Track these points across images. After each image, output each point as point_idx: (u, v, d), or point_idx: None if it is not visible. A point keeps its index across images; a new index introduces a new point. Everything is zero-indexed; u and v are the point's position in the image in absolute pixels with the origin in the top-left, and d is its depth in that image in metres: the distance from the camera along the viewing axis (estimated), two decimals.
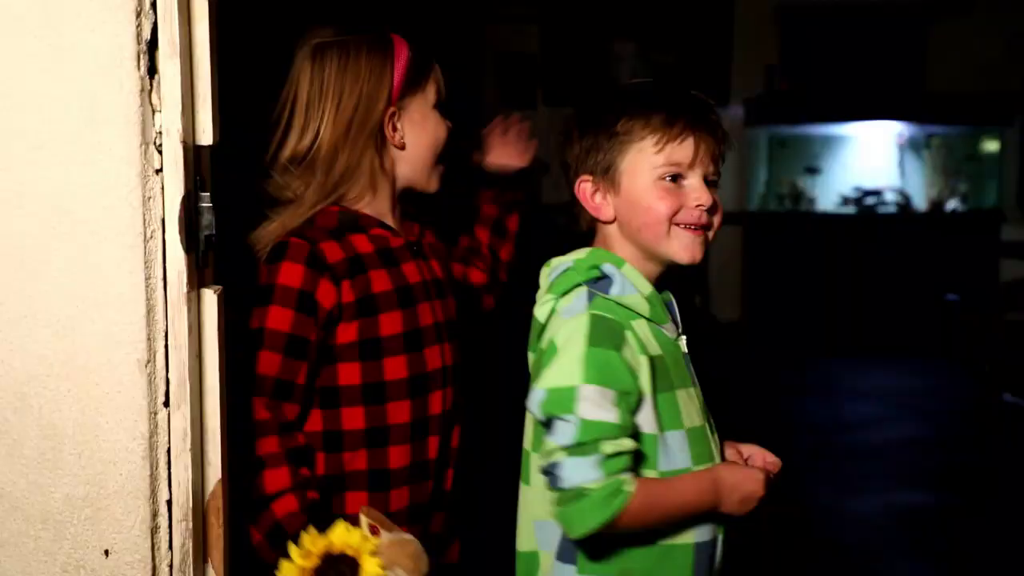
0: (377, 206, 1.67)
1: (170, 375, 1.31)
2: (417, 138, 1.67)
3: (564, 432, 1.35)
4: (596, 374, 1.35)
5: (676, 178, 1.46)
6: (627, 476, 1.35)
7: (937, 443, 4.89)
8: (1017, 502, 4.03)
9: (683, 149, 1.45)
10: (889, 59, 7.19)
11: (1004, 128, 7.31)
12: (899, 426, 5.14)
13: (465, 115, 1.87)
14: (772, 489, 1.47)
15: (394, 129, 1.65)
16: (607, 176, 1.47)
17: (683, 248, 1.46)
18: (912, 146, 7.50)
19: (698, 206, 1.45)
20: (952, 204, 7.35)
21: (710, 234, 1.49)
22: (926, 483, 4.32)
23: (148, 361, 1.29)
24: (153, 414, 1.30)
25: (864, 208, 7.33)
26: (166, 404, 1.31)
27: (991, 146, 7.48)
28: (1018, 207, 7.25)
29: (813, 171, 7.49)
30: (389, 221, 1.68)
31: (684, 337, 1.51)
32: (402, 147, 1.67)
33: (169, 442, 1.32)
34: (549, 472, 1.36)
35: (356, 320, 1.58)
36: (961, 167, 7.44)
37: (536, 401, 1.39)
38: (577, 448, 1.34)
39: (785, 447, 2.10)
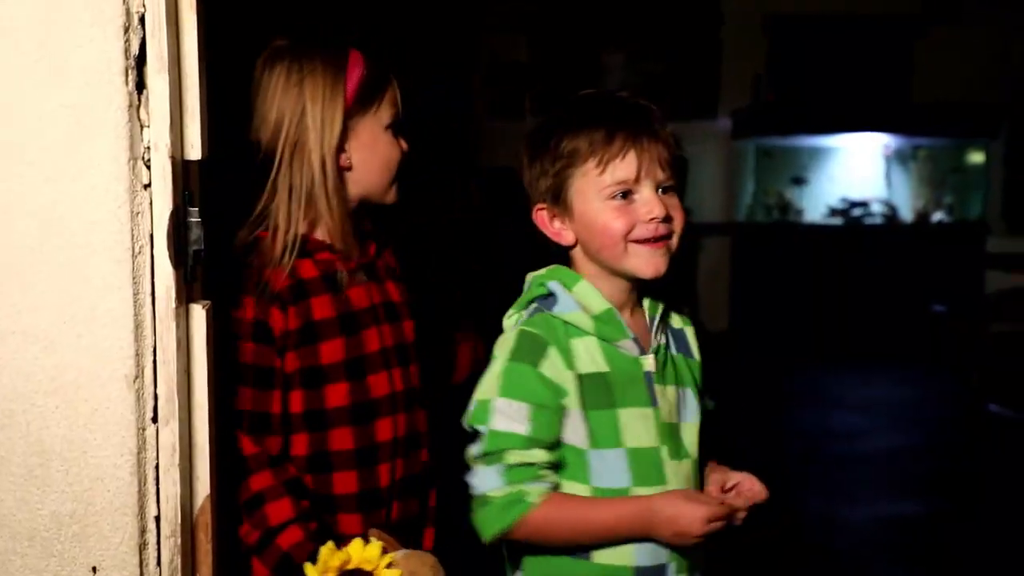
0: (324, 227, 1.60)
1: (158, 390, 1.30)
2: (365, 161, 1.61)
3: (479, 442, 1.41)
4: (510, 388, 1.40)
5: (627, 194, 1.43)
6: (532, 487, 1.38)
7: (925, 452, 4.90)
8: (1004, 510, 4.04)
9: (627, 165, 1.42)
10: (875, 71, 7.22)
11: (989, 140, 7.35)
12: (888, 435, 5.15)
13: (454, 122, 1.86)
14: (732, 522, 1.41)
15: (342, 150, 1.59)
16: (559, 202, 1.46)
17: (644, 264, 1.44)
18: (898, 158, 7.53)
19: (652, 219, 1.43)
20: (938, 216, 7.38)
21: (673, 241, 1.45)
22: (915, 491, 4.33)
23: (136, 377, 1.28)
24: (141, 430, 1.29)
25: (851, 219, 7.35)
26: (154, 420, 1.30)
27: (977, 158, 7.51)
28: (1003, 219, 7.28)
29: (800, 182, 7.51)
30: (338, 242, 1.60)
31: (650, 357, 1.47)
32: (349, 168, 1.60)
33: (157, 458, 1.31)
34: (468, 479, 1.42)
35: (299, 348, 1.55)
36: (947, 179, 7.47)
37: (467, 413, 1.44)
38: (484, 458, 1.40)
39: (775, 456, 2.09)
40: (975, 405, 5.52)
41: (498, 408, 1.39)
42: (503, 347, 1.43)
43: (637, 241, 1.43)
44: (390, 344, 1.62)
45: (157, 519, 1.30)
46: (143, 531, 1.30)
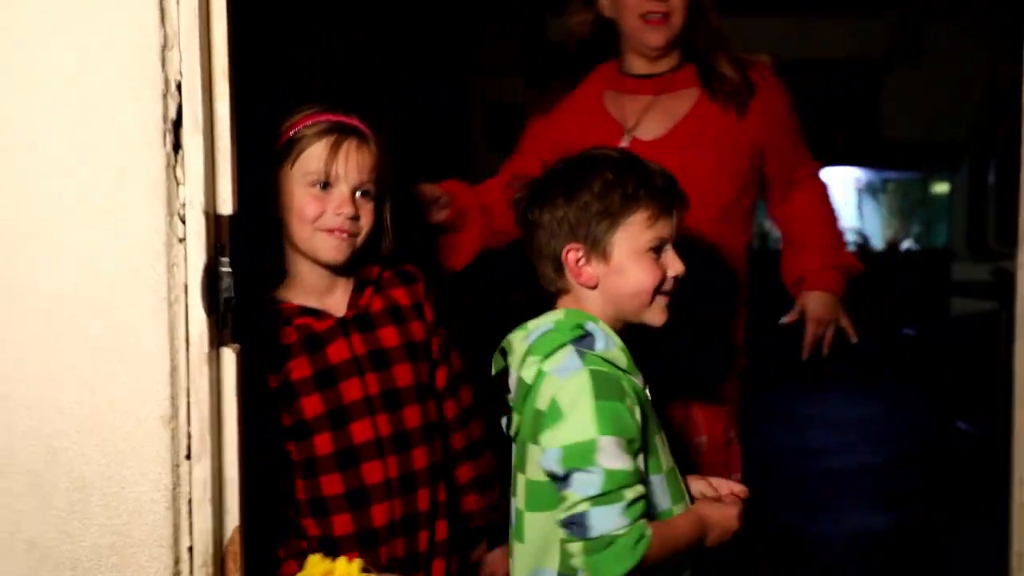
0: (298, 287, 1.60)
1: (192, 429, 1.31)
2: (286, 215, 1.57)
3: (587, 483, 1.33)
4: (609, 425, 1.34)
5: (659, 251, 1.47)
6: (645, 521, 1.35)
7: (894, 468, 4.89)
8: (969, 524, 4.03)
9: (668, 224, 1.46)
10: (847, 110, 7.27)
11: (953, 174, 7.39)
12: (858, 452, 5.13)
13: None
14: (745, 517, 1.49)
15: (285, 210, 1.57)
16: (597, 246, 1.45)
17: (659, 314, 1.48)
18: (869, 190, 7.58)
19: (675, 276, 1.47)
20: (906, 244, 7.42)
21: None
22: (884, 506, 4.31)
23: (172, 417, 1.29)
24: (176, 466, 1.30)
25: None
26: (188, 457, 1.31)
27: (941, 190, 7.56)
28: (967, 247, 7.31)
29: None
30: (314, 301, 1.60)
31: (647, 388, 1.50)
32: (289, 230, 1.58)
33: (191, 492, 1.31)
34: (573, 523, 1.33)
35: (286, 407, 1.57)
36: (914, 210, 7.52)
37: (553, 459, 1.36)
38: (603, 497, 1.32)
39: (750, 472, 2.11)
40: (943, 422, 5.52)
41: (604, 447, 1.33)
42: (577, 389, 1.36)
43: (661, 293, 1.47)
44: (375, 392, 1.60)
45: (190, 550, 1.31)
46: (177, 561, 1.30)
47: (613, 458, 1.33)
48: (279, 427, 1.57)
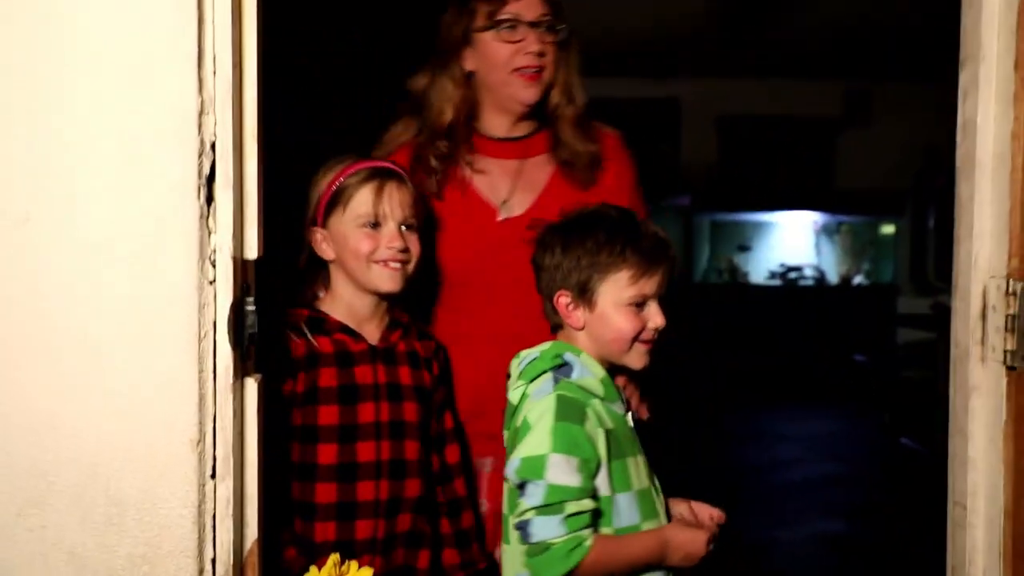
0: (340, 309, 1.60)
1: (217, 452, 1.28)
2: (341, 253, 1.58)
3: (534, 494, 1.35)
4: (562, 444, 1.36)
5: (640, 304, 1.45)
6: (586, 532, 1.35)
7: (849, 480, 4.86)
8: (915, 531, 3.99)
9: (651, 283, 1.45)
10: (806, 161, 7.29)
11: (898, 218, 7.41)
12: (818, 466, 5.10)
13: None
14: (716, 541, 1.45)
15: (325, 245, 1.59)
16: (584, 295, 1.45)
17: (638, 359, 1.47)
18: (825, 232, 7.58)
19: (655, 328, 1.46)
20: (858, 279, 7.41)
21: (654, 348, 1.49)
22: (842, 515, 4.27)
23: (199, 441, 1.27)
24: (202, 485, 1.27)
25: (788, 281, 7.38)
26: (212, 476, 1.28)
27: (888, 232, 7.56)
28: (910, 282, 7.31)
29: (745, 249, 7.54)
30: (353, 324, 1.59)
31: (629, 414, 1.50)
32: (334, 261, 1.60)
33: (215, 508, 1.28)
34: (521, 528, 1.36)
35: (303, 407, 1.54)
36: (865, 249, 7.52)
37: (512, 468, 1.39)
38: (544, 508, 1.34)
39: (721, 483, 2.09)
40: (889, 440, 5.49)
41: (554, 463, 1.35)
42: (543, 411, 1.39)
43: (639, 341, 1.46)
44: (385, 419, 1.57)
45: (213, 561, 1.27)
46: (201, 571, 1.27)
47: (561, 474, 1.35)
48: (291, 426, 1.53)
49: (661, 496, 1.50)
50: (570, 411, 1.39)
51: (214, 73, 1.25)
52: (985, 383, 1.34)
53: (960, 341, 1.38)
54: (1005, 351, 1.29)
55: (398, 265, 1.57)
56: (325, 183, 1.59)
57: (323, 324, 1.58)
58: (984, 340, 1.33)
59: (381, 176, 1.58)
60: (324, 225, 1.59)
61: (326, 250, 1.60)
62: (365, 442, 1.55)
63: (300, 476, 1.54)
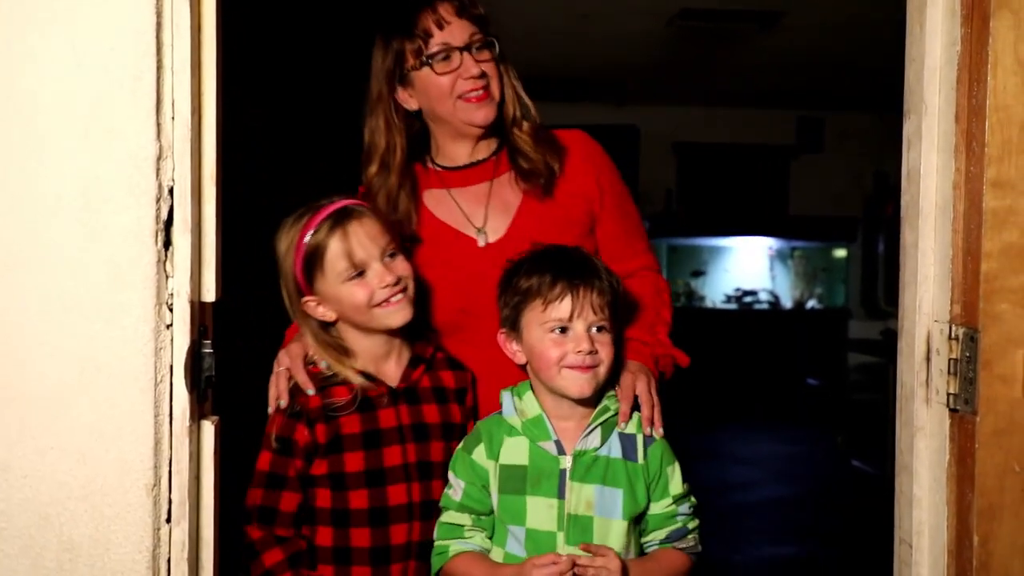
0: (361, 357, 1.54)
1: (172, 496, 1.26)
2: (341, 311, 1.52)
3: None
4: (455, 465, 1.52)
5: (564, 329, 1.46)
6: (454, 544, 1.48)
7: (802, 501, 4.89)
8: (866, 553, 4.03)
9: (563, 307, 1.45)
10: (760, 188, 7.39)
11: (849, 244, 7.53)
12: (772, 487, 5.13)
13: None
14: None
15: (322, 309, 1.53)
16: (515, 329, 1.50)
17: (572, 385, 1.46)
18: (779, 257, 7.66)
19: (579, 352, 1.44)
20: (811, 303, 7.49)
21: (601, 369, 1.46)
22: (796, 536, 4.30)
23: (154, 485, 1.24)
24: (156, 530, 1.24)
25: (743, 305, 7.44)
26: (168, 520, 1.26)
27: (840, 257, 7.68)
28: (862, 306, 7.42)
29: (701, 274, 7.61)
30: (372, 366, 1.54)
31: (568, 457, 1.46)
32: (334, 322, 1.54)
33: (170, 553, 1.26)
34: None
35: (327, 456, 1.51)
36: (817, 274, 7.62)
37: None
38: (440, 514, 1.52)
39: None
40: (841, 461, 5.55)
41: (449, 479, 1.52)
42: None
43: (568, 367, 1.45)
44: (412, 460, 1.53)
45: None
46: None
47: (449, 489, 1.51)
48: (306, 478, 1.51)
49: (580, 548, 1.42)
50: (471, 440, 1.52)
51: (172, 119, 1.24)
52: (929, 424, 1.36)
53: (906, 382, 1.40)
54: (948, 394, 1.30)
55: (400, 297, 1.51)
56: (292, 250, 1.52)
57: (336, 375, 1.52)
58: (928, 382, 1.35)
59: (342, 221, 1.50)
60: (311, 291, 1.52)
61: (325, 313, 1.53)
62: (395, 485, 1.51)
63: (335, 523, 1.51)
